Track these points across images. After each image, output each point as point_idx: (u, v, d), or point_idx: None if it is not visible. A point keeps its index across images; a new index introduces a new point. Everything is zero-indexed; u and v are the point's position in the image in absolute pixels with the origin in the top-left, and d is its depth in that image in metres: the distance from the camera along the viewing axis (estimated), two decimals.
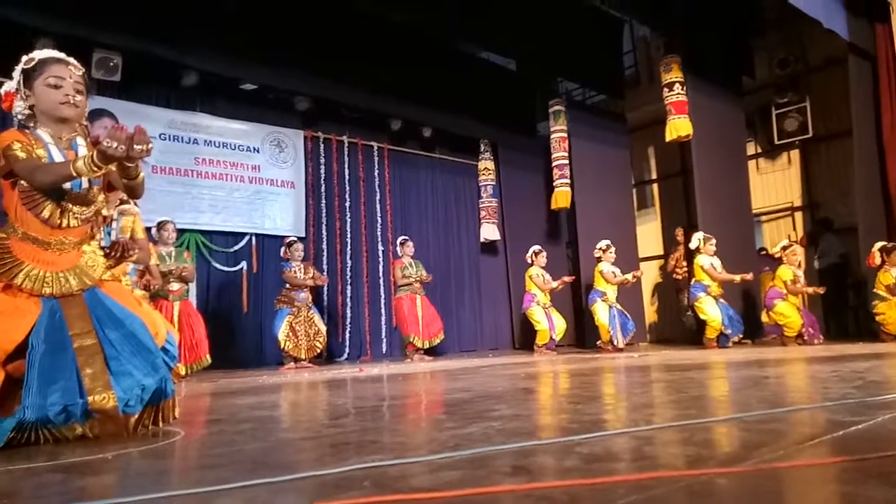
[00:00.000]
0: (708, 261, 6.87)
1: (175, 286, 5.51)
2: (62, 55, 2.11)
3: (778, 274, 6.88)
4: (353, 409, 2.61)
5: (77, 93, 2.07)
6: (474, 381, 3.71)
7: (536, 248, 7.83)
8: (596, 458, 1.29)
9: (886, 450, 1.19)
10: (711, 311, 6.71)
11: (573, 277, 8.20)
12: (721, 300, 6.82)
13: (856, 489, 0.98)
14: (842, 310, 8.21)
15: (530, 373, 4.21)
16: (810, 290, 6.95)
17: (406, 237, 7.62)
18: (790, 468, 1.14)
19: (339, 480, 1.19)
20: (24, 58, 2.07)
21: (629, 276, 7.38)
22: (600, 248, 7.44)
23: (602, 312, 7.16)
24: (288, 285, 6.59)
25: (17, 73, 2.06)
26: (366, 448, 1.57)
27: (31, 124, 2.07)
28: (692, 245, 7.10)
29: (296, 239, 6.86)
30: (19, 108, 2.06)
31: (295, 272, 6.62)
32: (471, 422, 1.90)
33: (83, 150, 2.10)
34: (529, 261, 7.77)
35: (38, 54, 2.08)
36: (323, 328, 6.69)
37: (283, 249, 6.76)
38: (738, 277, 6.79)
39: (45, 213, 2.00)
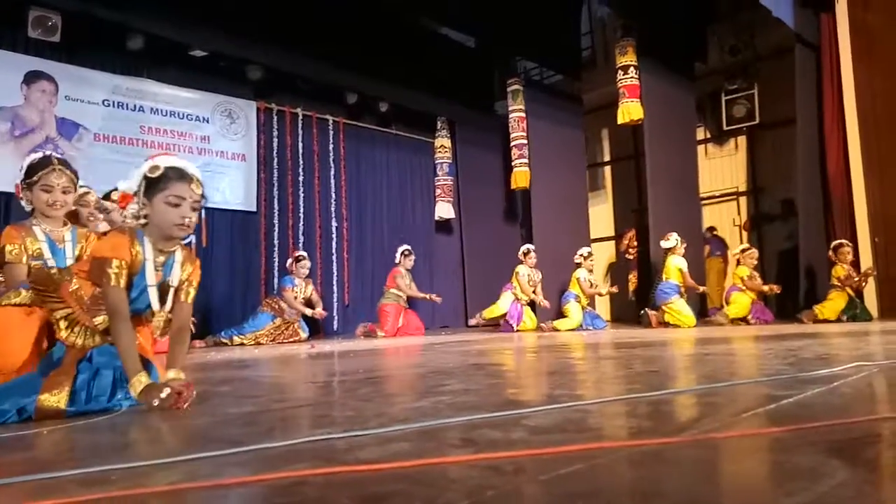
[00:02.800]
0: (684, 263, 6.99)
1: None
2: (189, 170, 1.97)
3: (736, 272, 7.18)
4: (304, 385, 2.59)
5: (193, 211, 1.97)
6: (426, 357, 3.73)
7: (529, 246, 7.76)
8: (542, 430, 1.31)
9: (814, 421, 1.26)
10: (686, 310, 6.83)
11: (548, 305, 7.72)
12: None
13: (785, 457, 1.03)
14: (792, 292, 8.44)
15: (481, 350, 4.26)
16: (766, 287, 7.05)
17: (410, 248, 7.69)
18: (726, 438, 1.19)
19: (285, 454, 1.18)
20: (149, 164, 1.93)
21: (603, 290, 7.64)
22: (581, 255, 7.56)
23: (576, 311, 7.29)
24: (281, 297, 6.53)
25: (138, 178, 1.93)
26: (315, 422, 1.57)
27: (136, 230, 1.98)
28: (667, 244, 7.07)
29: (305, 255, 6.78)
30: (132, 212, 1.95)
31: (296, 292, 6.53)
32: (421, 396, 1.91)
33: (178, 268, 2.04)
34: (521, 258, 7.72)
35: (164, 163, 1.94)
36: (304, 335, 6.64)
37: (289, 262, 6.66)
38: (701, 288, 7.20)
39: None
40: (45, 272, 2.09)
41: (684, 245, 7.12)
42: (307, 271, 6.75)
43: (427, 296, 7.68)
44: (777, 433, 1.19)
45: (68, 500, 0.91)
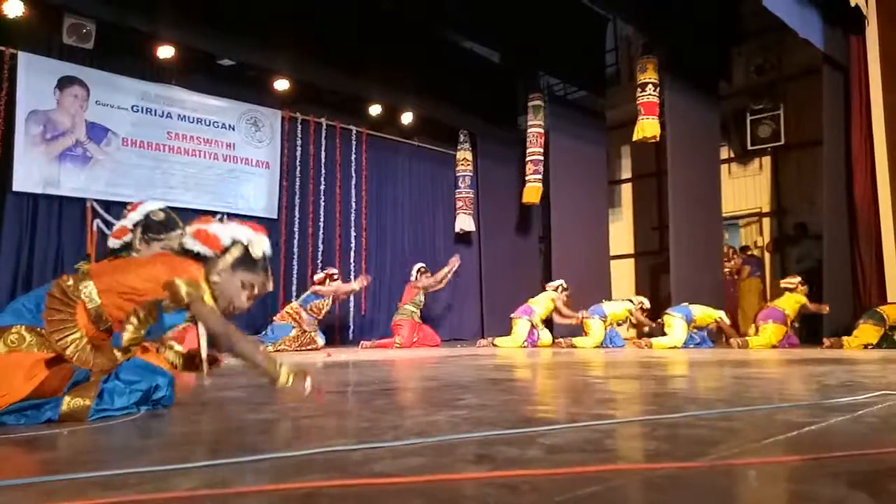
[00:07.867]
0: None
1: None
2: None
3: (797, 299, 6.85)
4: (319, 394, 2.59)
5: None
6: (442, 370, 3.72)
7: (562, 282, 7.80)
8: (558, 449, 1.30)
9: (837, 451, 1.23)
10: (679, 333, 6.75)
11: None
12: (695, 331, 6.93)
13: (806, 487, 1.01)
14: (815, 317, 8.23)
15: (498, 364, 4.24)
16: (814, 306, 6.74)
17: (425, 266, 7.99)
18: (745, 465, 1.17)
19: (300, 463, 1.19)
20: (250, 238, 1.96)
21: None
22: (639, 304, 7.62)
23: (598, 329, 7.22)
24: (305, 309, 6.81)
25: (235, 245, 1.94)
26: (330, 432, 1.57)
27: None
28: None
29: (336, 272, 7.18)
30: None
31: (323, 304, 6.88)
32: (437, 410, 1.90)
33: None
34: (559, 290, 7.73)
35: (262, 249, 1.96)
36: (321, 342, 6.77)
37: (319, 276, 7.02)
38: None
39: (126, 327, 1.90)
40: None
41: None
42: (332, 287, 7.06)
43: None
44: (798, 462, 1.17)
45: (87, 503, 0.92)
